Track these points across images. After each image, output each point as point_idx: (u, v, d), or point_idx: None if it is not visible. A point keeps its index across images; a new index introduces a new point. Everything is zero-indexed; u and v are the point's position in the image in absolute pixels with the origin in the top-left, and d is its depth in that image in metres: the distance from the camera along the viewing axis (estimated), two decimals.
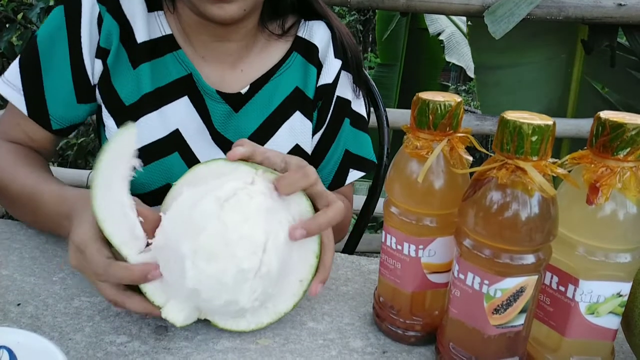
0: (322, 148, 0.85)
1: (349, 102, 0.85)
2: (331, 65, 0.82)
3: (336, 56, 0.82)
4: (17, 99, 0.74)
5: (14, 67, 0.75)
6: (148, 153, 0.75)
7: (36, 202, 0.65)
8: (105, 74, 0.75)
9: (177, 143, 0.77)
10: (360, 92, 0.87)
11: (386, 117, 1.02)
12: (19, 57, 0.75)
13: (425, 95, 0.49)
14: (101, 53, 0.75)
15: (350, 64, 0.84)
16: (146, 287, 0.51)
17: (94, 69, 0.75)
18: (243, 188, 0.50)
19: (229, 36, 0.76)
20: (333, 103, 0.83)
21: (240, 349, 0.52)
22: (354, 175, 0.86)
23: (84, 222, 0.51)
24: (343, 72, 0.83)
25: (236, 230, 0.48)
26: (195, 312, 0.52)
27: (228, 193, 0.50)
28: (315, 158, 0.85)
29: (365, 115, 0.89)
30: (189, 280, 0.48)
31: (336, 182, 0.86)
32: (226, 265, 0.48)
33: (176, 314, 0.51)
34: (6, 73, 0.75)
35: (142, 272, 0.49)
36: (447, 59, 3.30)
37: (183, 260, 0.48)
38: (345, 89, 0.84)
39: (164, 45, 0.76)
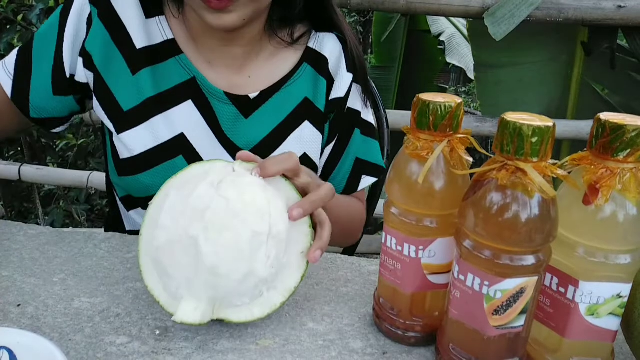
0: (333, 158, 0.86)
1: (358, 112, 0.86)
2: (343, 80, 0.83)
3: (348, 70, 0.83)
4: (6, 82, 0.77)
5: (12, 54, 0.78)
6: (152, 157, 0.75)
7: None
8: (99, 81, 0.76)
9: (182, 146, 0.77)
10: (368, 102, 0.88)
11: (386, 118, 1.02)
12: (18, 48, 0.79)
13: (426, 96, 0.49)
14: (83, 53, 0.76)
15: (359, 75, 0.85)
16: (159, 297, 0.52)
17: (71, 63, 0.77)
18: (229, 175, 0.53)
19: (234, 41, 0.77)
20: (345, 115, 0.84)
21: (240, 350, 0.52)
22: (366, 181, 0.88)
23: None
24: (354, 85, 0.84)
25: (239, 200, 0.51)
26: (210, 308, 0.52)
27: (218, 178, 0.53)
28: (326, 168, 0.86)
29: (373, 123, 0.90)
30: (205, 257, 0.50)
31: (349, 189, 0.87)
32: (239, 232, 0.50)
33: (191, 313, 0.51)
34: (6, 59, 0.79)
35: None
36: (448, 60, 3.31)
37: (195, 242, 0.50)
38: (355, 100, 0.85)
39: (166, 50, 0.77)
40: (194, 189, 0.52)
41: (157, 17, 0.77)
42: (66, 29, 0.75)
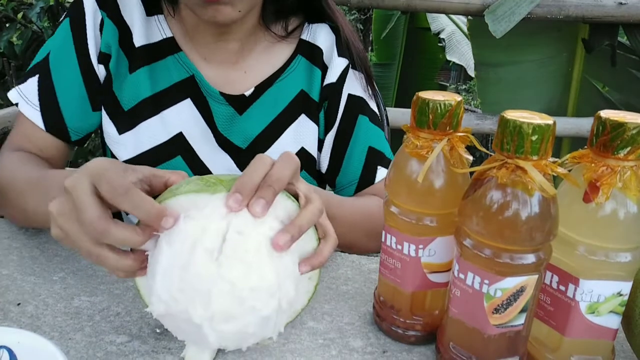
0: (339, 147, 0.83)
1: (361, 99, 0.83)
2: (335, 65, 0.81)
3: (340, 55, 0.81)
4: (34, 115, 0.74)
5: (32, 84, 0.75)
6: (150, 157, 0.75)
7: (39, 186, 0.62)
8: (108, 80, 0.76)
9: (180, 146, 0.76)
10: (371, 91, 0.85)
11: (386, 116, 1.02)
12: (37, 75, 0.75)
13: (425, 94, 0.49)
14: (102, 58, 0.75)
15: (358, 62, 0.82)
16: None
17: (100, 74, 0.76)
18: (226, 225, 0.45)
19: (229, 35, 0.76)
20: (344, 101, 0.82)
21: (240, 349, 0.52)
22: (382, 173, 0.83)
23: (101, 159, 0.46)
24: (351, 71, 0.82)
25: (245, 285, 0.44)
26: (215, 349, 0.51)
27: (216, 241, 0.44)
28: (334, 159, 0.83)
29: (379, 114, 0.87)
30: (212, 343, 0.46)
31: (364, 181, 0.83)
32: (247, 320, 0.45)
33: (200, 356, 0.49)
34: (23, 89, 0.75)
35: (160, 211, 0.43)
36: (448, 57, 3.30)
37: (200, 328, 0.45)
38: (355, 87, 0.83)
39: (165, 48, 0.77)
40: (189, 256, 0.44)
41: (156, 16, 0.77)
42: (89, 44, 0.74)
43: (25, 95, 0.75)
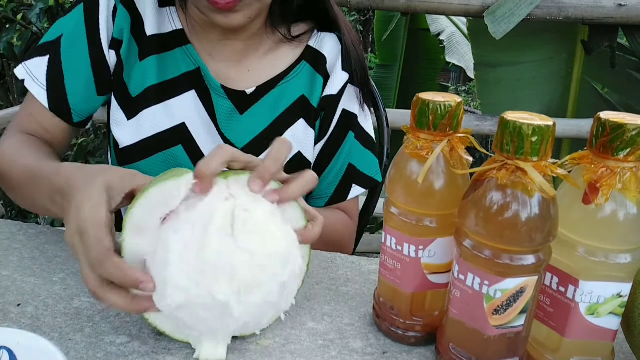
0: (324, 159, 0.84)
1: (355, 115, 0.84)
2: (337, 77, 0.82)
3: (344, 69, 0.82)
4: (40, 93, 0.75)
5: (42, 62, 0.76)
6: (151, 144, 0.77)
7: (35, 179, 0.63)
8: (119, 66, 0.77)
9: (182, 136, 0.77)
10: (366, 108, 0.86)
11: (386, 117, 1.02)
12: (48, 55, 0.76)
13: (425, 95, 0.49)
14: (114, 44, 0.77)
15: (358, 78, 0.83)
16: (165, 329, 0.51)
17: (110, 60, 0.77)
18: (230, 206, 0.47)
19: (236, 35, 0.78)
20: (338, 115, 0.83)
21: (240, 350, 0.52)
22: (357, 191, 0.85)
23: (86, 202, 0.47)
24: (349, 86, 0.83)
25: (264, 251, 0.47)
26: (229, 337, 0.51)
27: (226, 219, 0.46)
28: (316, 169, 0.84)
29: (372, 135, 0.87)
30: (238, 319, 0.47)
31: (337, 196, 0.84)
32: (270, 287, 0.48)
33: (215, 350, 0.50)
34: (31, 67, 0.76)
35: (134, 280, 0.45)
36: (448, 59, 3.31)
37: (226, 304, 0.46)
38: (351, 103, 0.83)
39: (174, 40, 0.78)
40: (203, 237, 0.45)
41: (168, 7, 0.79)
42: (100, 31, 0.75)
43: (32, 73, 0.76)
